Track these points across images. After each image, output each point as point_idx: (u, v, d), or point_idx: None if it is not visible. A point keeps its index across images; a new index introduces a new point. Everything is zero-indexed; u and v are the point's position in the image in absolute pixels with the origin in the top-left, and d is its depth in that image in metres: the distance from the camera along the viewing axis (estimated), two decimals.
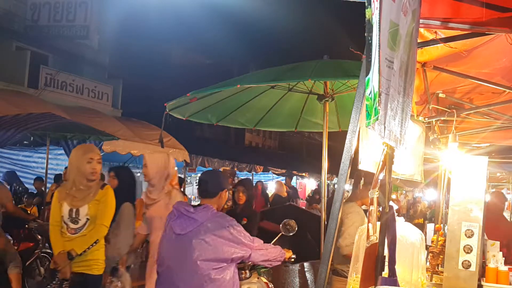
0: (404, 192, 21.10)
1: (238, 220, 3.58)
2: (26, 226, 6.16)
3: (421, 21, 1.94)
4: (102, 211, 3.60)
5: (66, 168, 8.08)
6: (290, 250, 3.37)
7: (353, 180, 4.06)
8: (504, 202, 6.34)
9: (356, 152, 2.25)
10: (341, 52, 4.65)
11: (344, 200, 3.88)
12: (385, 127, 1.49)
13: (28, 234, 6.20)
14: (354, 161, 2.25)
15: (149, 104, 13.41)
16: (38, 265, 6.46)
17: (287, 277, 9.45)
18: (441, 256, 3.75)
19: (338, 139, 3.81)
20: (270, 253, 2.96)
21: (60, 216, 3.58)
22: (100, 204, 3.61)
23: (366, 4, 1.47)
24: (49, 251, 6.57)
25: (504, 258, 3.57)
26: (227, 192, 3.02)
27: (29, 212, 6.95)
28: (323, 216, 4.40)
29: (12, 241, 5.62)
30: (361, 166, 2.62)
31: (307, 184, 20.61)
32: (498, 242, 3.69)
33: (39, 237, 6.34)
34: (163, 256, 2.85)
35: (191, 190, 15.54)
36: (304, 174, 18.98)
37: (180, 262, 2.73)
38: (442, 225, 4.41)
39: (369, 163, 2.70)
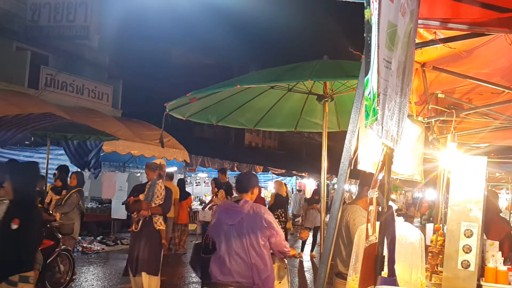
0: (403, 192, 21.05)
1: (6, 225, 3.52)
2: (48, 225, 6.34)
3: (420, 21, 1.94)
4: None
5: (58, 167, 8.13)
6: (295, 250, 4.03)
7: (358, 181, 4.05)
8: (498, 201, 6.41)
9: (356, 152, 2.26)
10: (341, 52, 4.66)
11: (348, 202, 3.90)
12: (382, 127, 1.49)
13: (49, 232, 6.38)
14: (354, 161, 2.26)
15: (149, 104, 13.42)
16: (58, 263, 6.76)
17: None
18: (440, 256, 3.75)
19: (337, 139, 3.81)
20: (286, 246, 3.83)
21: None
22: None
23: (365, 4, 1.47)
24: (69, 248, 7.01)
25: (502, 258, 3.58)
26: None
27: (50, 212, 7.12)
28: (323, 216, 4.41)
29: None
30: (360, 166, 2.62)
31: (306, 184, 20.60)
32: (497, 242, 3.69)
33: (59, 235, 6.58)
34: (219, 242, 3.78)
35: (191, 189, 15.52)
36: (303, 174, 18.98)
37: (235, 243, 3.71)
38: (441, 225, 4.42)
39: (368, 163, 2.70)
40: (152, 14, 19.40)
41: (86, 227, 11.43)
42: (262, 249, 3.70)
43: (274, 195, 11.56)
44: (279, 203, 11.14)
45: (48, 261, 6.12)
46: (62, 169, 7.99)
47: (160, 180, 5.81)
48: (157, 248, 5.65)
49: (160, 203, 5.72)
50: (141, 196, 5.69)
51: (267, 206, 11.46)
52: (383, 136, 1.53)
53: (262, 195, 12.49)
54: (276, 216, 11.02)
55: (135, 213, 5.63)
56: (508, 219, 8.88)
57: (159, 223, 5.72)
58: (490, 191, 6.34)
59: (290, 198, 17.49)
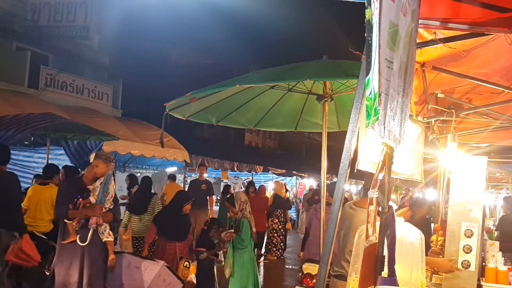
0: (403, 192, 21.01)
1: None
2: None
3: (420, 21, 1.94)
4: None
5: (63, 167, 8.13)
6: None
7: (357, 181, 4.05)
8: None
9: (356, 152, 2.26)
10: (341, 52, 4.66)
11: (354, 203, 3.86)
12: (384, 127, 1.49)
13: None
14: (354, 161, 2.26)
15: (149, 104, 13.41)
16: None
17: (287, 277, 9.46)
18: (440, 256, 3.75)
19: (337, 139, 3.81)
20: None
21: None
22: None
23: (366, 4, 1.47)
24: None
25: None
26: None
27: None
28: (323, 216, 4.41)
29: None
30: (359, 166, 2.62)
31: (306, 184, 20.58)
32: (498, 242, 3.69)
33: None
34: (314, 232, 5.87)
35: None
36: (303, 174, 18.97)
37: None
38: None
39: (368, 163, 2.70)
40: (152, 14, 19.41)
41: None
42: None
43: (273, 196, 11.62)
44: (278, 204, 11.22)
45: None
46: (67, 169, 8.01)
47: (112, 178, 4.59)
48: (102, 265, 4.56)
49: (110, 207, 4.50)
50: (92, 198, 4.41)
51: None
52: (386, 136, 1.53)
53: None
54: (275, 216, 11.05)
55: (76, 219, 4.33)
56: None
57: (107, 234, 4.52)
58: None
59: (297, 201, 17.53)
